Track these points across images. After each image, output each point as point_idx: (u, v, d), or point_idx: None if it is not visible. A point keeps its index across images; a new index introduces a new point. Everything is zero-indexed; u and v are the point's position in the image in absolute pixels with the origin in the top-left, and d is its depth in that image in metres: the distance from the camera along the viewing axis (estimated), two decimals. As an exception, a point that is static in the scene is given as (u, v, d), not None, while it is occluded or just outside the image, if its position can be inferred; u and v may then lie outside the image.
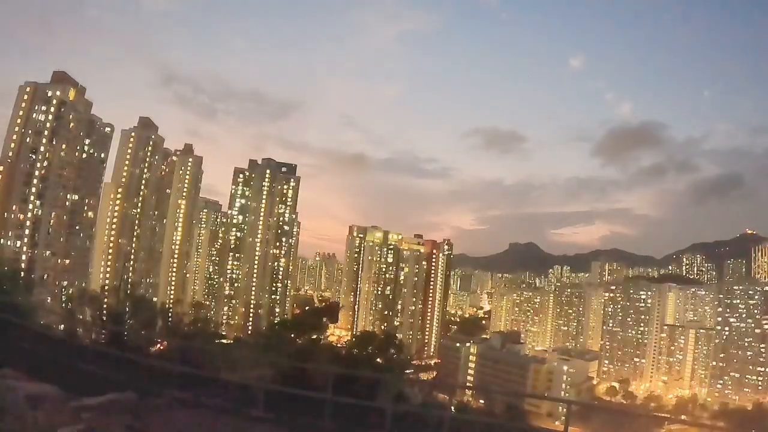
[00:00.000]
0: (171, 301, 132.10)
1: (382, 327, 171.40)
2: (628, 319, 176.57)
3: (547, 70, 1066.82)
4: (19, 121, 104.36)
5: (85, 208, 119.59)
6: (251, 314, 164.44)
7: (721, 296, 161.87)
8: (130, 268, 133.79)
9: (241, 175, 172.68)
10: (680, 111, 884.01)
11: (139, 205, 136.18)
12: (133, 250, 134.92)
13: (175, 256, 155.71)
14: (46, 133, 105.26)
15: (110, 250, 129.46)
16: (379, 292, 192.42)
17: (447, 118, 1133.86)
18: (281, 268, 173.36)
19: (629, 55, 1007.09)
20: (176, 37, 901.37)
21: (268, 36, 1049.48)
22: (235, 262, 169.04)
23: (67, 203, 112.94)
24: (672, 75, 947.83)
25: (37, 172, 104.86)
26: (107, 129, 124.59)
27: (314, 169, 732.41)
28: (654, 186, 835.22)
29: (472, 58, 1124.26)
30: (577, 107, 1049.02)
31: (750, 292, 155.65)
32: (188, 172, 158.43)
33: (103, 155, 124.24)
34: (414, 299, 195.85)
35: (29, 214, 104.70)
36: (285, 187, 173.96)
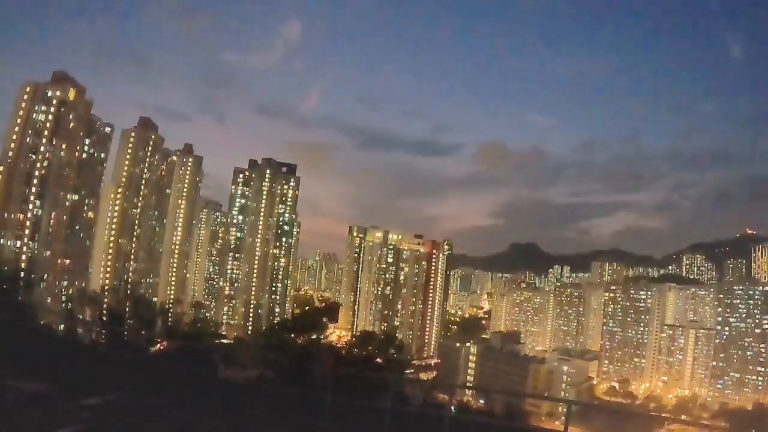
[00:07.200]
0: (171, 301, 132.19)
1: (382, 327, 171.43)
2: (628, 319, 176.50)
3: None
4: (19, 121, 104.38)
5: (85, 208, 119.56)
6: (251, 314, 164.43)
7: (721, 296, 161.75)
8: (130, 268, 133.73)
9: (241, 175, 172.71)
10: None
11: (139, 205, 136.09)
12: (133, 250, 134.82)
13: (175, 256, 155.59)
14: (46, 133, 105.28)
15: (110, 250, 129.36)
16: (379, 292, 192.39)
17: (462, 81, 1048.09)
18: (281, 268, 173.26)
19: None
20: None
21: None
22: (235, 262, 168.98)
23: (67, 203, 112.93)
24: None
25: (37, 172, 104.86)
26: (107, 129, 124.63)
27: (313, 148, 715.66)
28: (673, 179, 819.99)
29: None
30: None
31: (750, 292, 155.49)
32: (188, 172, 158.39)
33: (103, 155, 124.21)
34: (414, 299, 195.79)
35: (29, 214, 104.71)
36: (285, 187, 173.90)
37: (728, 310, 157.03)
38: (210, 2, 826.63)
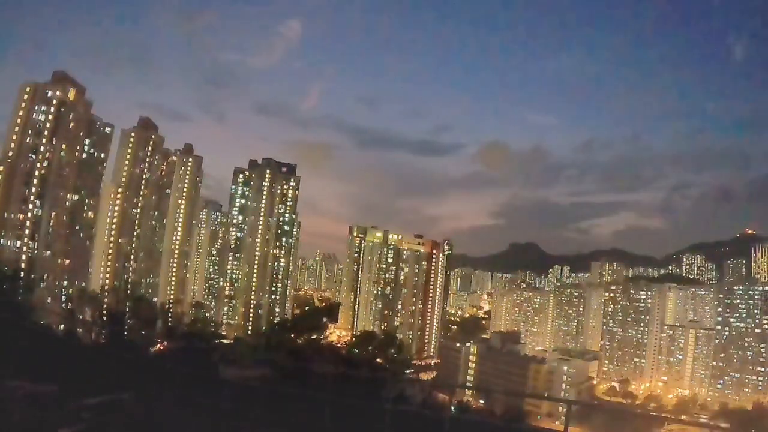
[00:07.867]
0: (171, 301, 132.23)
1: (382, 327, 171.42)
2: (628, 319, 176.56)
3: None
4: (19, 121, 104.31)
5: (85, 208, 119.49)
6: (251, 314, 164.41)
7: (721, 296, 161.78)
8: (130, 268, 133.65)
9: (241, 175, 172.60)
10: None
11: (139, 205, 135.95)
12: (133, 250, 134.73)
13: (175, 256, 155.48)
14: (46, 133, 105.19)
15: (110, 250, 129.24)
16: (379, 292, 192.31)
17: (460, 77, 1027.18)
18: (281, 268, 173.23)
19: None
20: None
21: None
22: (235, 262, 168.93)
23: (67, 203, 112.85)
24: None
25: (37, 172, 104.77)
26: (107, 129, 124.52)
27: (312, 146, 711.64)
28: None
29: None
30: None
31: (750, 292, 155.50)
32: (188, 172, 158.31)
33: (103, 155, 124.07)
34: (414, 299, 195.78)
35: (29, 214, 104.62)
36: (285, 187, 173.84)
37: (728, 310, 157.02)
38: (210, 2, 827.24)
